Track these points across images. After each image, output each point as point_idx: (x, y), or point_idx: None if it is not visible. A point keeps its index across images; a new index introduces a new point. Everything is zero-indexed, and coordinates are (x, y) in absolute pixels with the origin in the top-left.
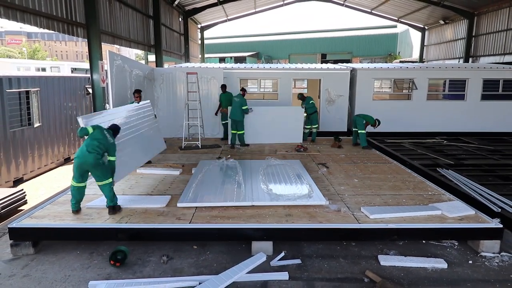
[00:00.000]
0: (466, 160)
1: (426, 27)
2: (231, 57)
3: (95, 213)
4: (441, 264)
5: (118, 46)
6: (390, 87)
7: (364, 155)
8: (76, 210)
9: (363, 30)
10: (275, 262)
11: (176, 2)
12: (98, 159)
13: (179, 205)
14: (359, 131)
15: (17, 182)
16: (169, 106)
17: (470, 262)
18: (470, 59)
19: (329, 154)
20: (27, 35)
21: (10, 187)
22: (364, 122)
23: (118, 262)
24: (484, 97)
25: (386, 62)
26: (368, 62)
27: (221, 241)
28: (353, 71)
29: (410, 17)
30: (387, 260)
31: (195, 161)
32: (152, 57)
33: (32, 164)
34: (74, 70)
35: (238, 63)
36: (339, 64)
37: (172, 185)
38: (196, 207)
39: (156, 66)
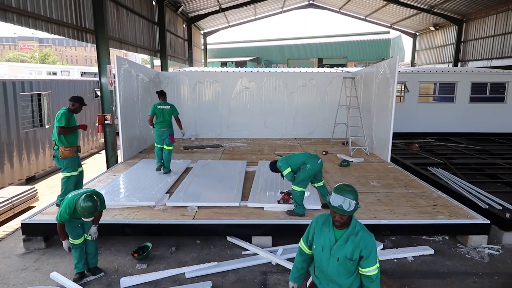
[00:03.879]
0: (455, 159)
1: (417, 33)
2: (232, 62)
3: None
4: (428, 251)
5: (125, 51)
6: None
7: (358, 154)
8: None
9: (358, 36)
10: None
11: (180, 10)
12: None
13: (168, 204)
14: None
15: (29, 180)
16: None
17: (459, 256)
18: (459, 64)
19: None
20: (38, 41)
21: (22, 184)
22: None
23: (138, 255)
24: (472, 100)
25: None
26: (362, 67)
27: (223, 236)
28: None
29: (402, 24)
30: (383, 255)
31: (197, 159)
32: (157, 62)
33: (44, 163)
34: (83, 74)
35: (239, 67)
36: (335, 68)
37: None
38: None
39: (161, 70)
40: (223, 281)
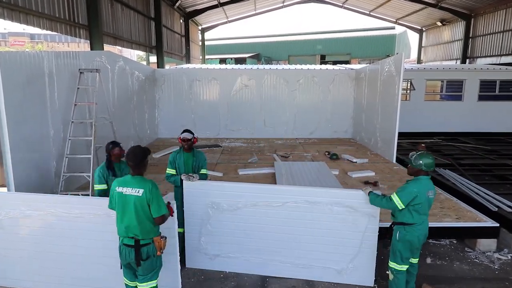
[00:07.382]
0: (463, 160)
1: (423, 29)
2: (231, 58)
3: None
4: None
5: (120, 48)
6: None
7: (363, 154)
8: None
9: (362, 31)
10: None
11: (177, 4)
12: None
13: None
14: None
15: None
16: (170, 106)
17: (467, 260)
18: (467, 60)
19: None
20: (30, 37)
21: None
22: None
23: None
24: (481, 98)
25: None
26: (366, 64)
27: None
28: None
29: (408, 19)
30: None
31: None
32: (153, 58)
33: None
34: None
35: (239, 64)
36: (338, 65)
37: None
38: None
39: (158, 67)
40: None
